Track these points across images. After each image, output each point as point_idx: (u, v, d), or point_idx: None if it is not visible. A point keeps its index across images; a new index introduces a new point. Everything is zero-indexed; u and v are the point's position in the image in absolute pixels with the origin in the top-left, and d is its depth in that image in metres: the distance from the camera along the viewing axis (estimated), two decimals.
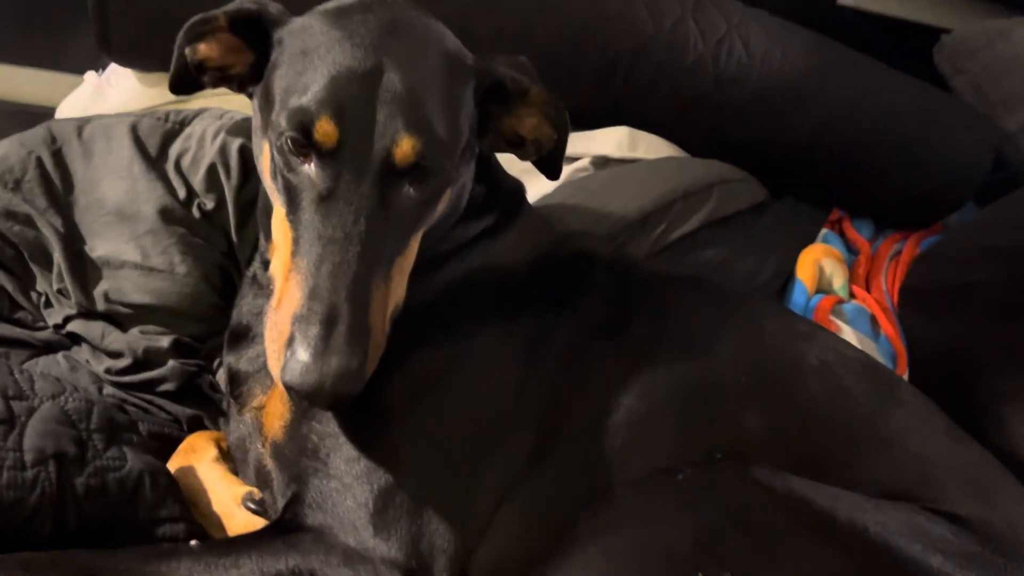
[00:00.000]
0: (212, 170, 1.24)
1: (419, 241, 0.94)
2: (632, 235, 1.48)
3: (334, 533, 0.87)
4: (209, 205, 1.24)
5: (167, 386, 1.17)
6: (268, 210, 0.99)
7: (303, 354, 0.79)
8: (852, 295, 1.63)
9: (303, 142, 0.85)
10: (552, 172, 1.09)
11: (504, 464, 0.95)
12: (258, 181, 1.20)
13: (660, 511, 0.84)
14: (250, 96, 1.00)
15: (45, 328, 1.22)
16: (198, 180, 1.24)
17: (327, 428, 0.92)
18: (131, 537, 0.95)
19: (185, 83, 1.03)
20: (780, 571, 0.77)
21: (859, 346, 1.43)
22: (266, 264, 1.07)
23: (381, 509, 0.88)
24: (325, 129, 0.84)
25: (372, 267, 0.84)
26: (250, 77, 0.98)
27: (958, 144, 1.80)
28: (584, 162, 1.62)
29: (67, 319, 1.20)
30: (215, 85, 1.03)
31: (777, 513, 0.82)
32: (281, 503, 0.94)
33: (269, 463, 0.98)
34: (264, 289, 1.08)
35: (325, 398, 0.80)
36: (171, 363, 1.17)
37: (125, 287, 1.19)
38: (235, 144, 1.25)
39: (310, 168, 0.86)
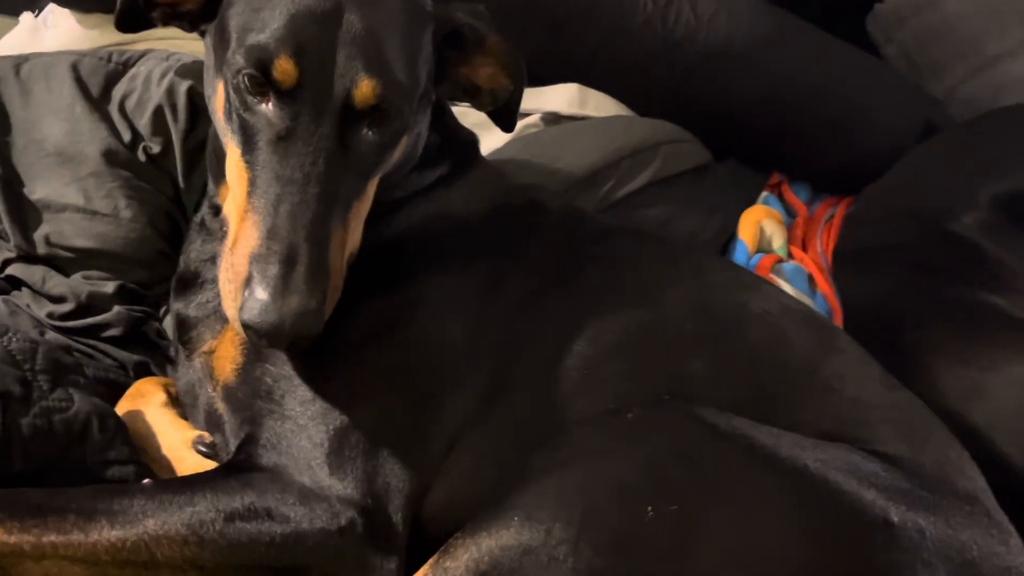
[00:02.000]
0: (159, 113, 1.22)
1: (375, 187, 0.94)
2: (581, 190, 1.50)
3: (289, 472, 0.88)
4: (155, 149, 1.22)
5: (112, 332, 1.16)
6: (219, 153, 0.98)
7: (262, 293, 0.79)
8: (790, 255, 1.68)
9: (261, 80, 0.85)
10: (507, 124, 1.10)
11: (458, 405, 0.96)
12: (206, 126, 1.18)
13: (609, 448, 0.86)
14: (202, 35, 0.98)
15: None
16: (144, 123, 1.22)
17: (281, 370, 0.92)
18: (80, 480, 0.93)
19: (132, 20, 1.00)
20: (724, 503, 0.80)
21: None
22: (215, 209, 1.06)
23: (336, 449, 0.88)
24: (284, 67, 0.83)
25: (331, 208, 0.85)
26: (202, 15, 0.96)
27: (890, 111, 1.86)
28: (534, 118, 1.63)
29: (6, 262, 1.17)
30: (165, 23, 1.00)
31: (721, 449, 0.85)
32: (233, 444, 0.94)
33: (220, 406, 0.97)
34: (213, 235, 1.07)
35: (284, 337, 0.80)
36: (116, 308, 1.16)
37: (67, 230, 1.17)
38: (183, 86, 1.22)
39: (267, 107, 0.86)
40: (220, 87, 0.91)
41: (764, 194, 1.79)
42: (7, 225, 1.16)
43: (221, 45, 0.91)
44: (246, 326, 0.81)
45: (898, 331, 1.42)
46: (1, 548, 0.77)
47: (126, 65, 1.27)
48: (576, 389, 0.99)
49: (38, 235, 1.17)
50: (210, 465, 0.99)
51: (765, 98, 1.75)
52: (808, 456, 0.86)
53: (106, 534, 0.80)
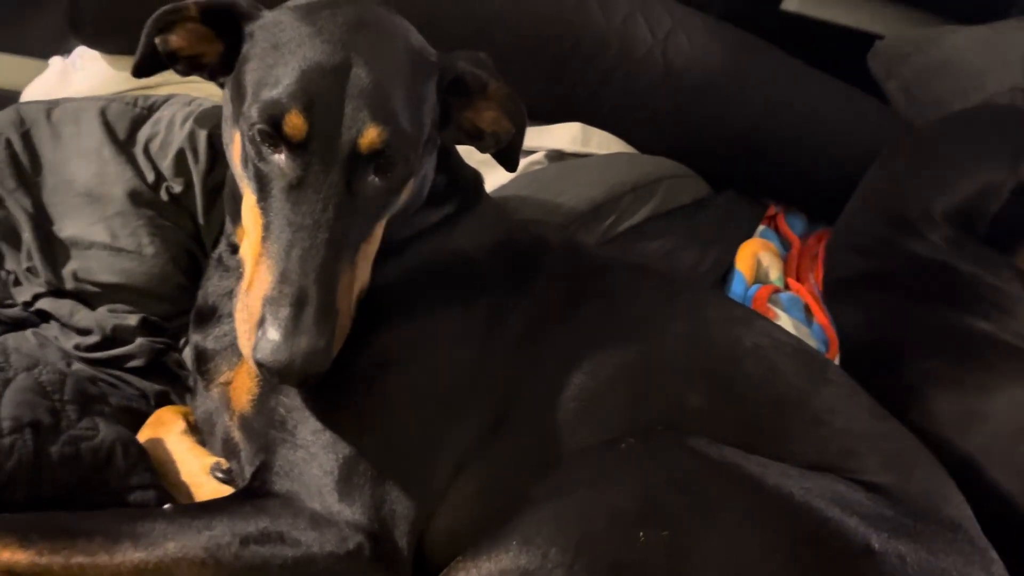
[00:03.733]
0: (180, 155, 1.28)
1: (383, 228, 0.99)
2: (583, 225, 1.56)
3: (301, 499, 0.92)
4: (177, 188, 1.28)
5: (136, 362, 1.21)
6: (236, 195, 1.03)
7: (274, 334, 0.84)
8: (787, 286, 1.73)
9: (273, 134, 0.90)
10: (510, 164, 1.14)
11: (461, 436, 1.01)
12: (224, 167, 1.24)
13: (604, 476, 0.90)
14: (221, 86, 1.04)
15: (14, 305, 1.24)
16: (167, 164, 1.28)
17: (294, 402, 0.97)
18: (104, 504, 0.98)
19: (149, 68, 1.06)
20: (713, 529, 0.84)
21: (795, 332, 1.52)
22: (232, 247, 1.12)
23: (346, 476, 0.93)
24: (294, 122, 0.88)
25: (339, 252, 0.89)
26: (221, 67, 1.02)
27: (874, 135, 1.92)
28: (539, 155, 1.69)
29: (36, 297, 1.23)
30: (186, 73, 1.06)
31: (711, 478, 0.89)
32: (249, 472, 0.99)
33: (237, 435, 1.02)
34: (230, 271, 1.12)
35: (294, 375, 0.85)
36: (139, 340, 1.21)
37: (94, 266, 1.23)
38: (203, 131, 1.29)
39: (280, 158, 0.91)
40: (237, 137, 0.96)
41: (761, 227, 1.85)
42: (38, 261, 1.23)
43: (238, 98, 0.96)
44: (259, 364, 0.86)
45: (890, 361, 1.45)
46: (33, 568, 0.82)
47: (150, 109, 1.34)
48: (575, 420, 1.03)
49: (67, 271, 1.23)
50: (227, 490, 1.04)
51: (755, 125, 1.83)
52: (794, 485, 0.90)
53: (130, 556, 0.85)
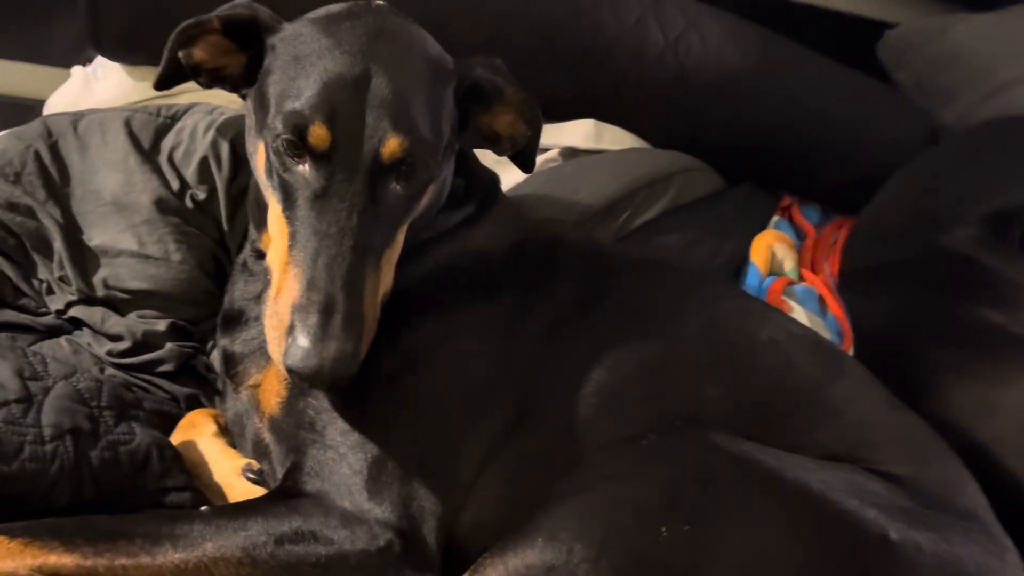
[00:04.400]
0: (204, 163, 1.31)
1: (405, 233, 1.01)
2: (599, 222, 1.57)
3: (331, 498, 0.95)
4: (201, 195, 1.31)
5: (166, 367, 1.24)
6: (260, 203, 1.06)
7: (303, 340, 0.87)
8: (801, 277, 1.74)
9: (298, 144, 0.92)
10: (526, 165, 1.17)
11: (486, 433, 1.03)
12: (247, 173, 1.26)
13: (627, 472, 0.93)
14: (243, 97, 1.07)
15: (48, 314, 1.28)
16: (191, 172, 1.31)
17: (322, 403, 1.00)
18: (141, 506, 1.02)
19: (171, 81, 1.09)
20: (734, 523, 0.87)
21: (809, 324, 1.52)
22: (258, 253, 1.14)
23: (375, 475, 0.96)
24: (318, 133, 0.91)
25: (364, 258, 0.92)
26: (243, 79, 1.04)
27: (892, 128, 1.94)
28: (553, 153, 1.70)
29: (68, 305, 1.26)
30: (209, 86, 1.09)
31: (731, 472, 0.92)
32: (280, 472, 1.01)
33: (267, 436, 1.05)
34: (256, 276, 1.15)
35: (324, 380, 0.88)
36: (169, 345, 1.24)
37: (123, 274, 1.26)
38: (225, 139, 1.31)
39: (304, 168, 0.93)
40: (261, 148, 0.99)
41: (775, 218, 1.85)
42: (69, 270, 1.26)
43: (261, 109, 0.98)
44: (290, 370, 0.89)
45: (905, 352, 1.46)
46: (79, 571, 0.85)
47: (173, 119, 1.37)
48: (596, 416, 1.05)
49: (97, 279, 1.26)
50: (259, 491, 1.07)
51: (772, 122, 1.83)
52: (812, 477, 0.92)
53: (170, 556, 0.88)
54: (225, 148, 1.31)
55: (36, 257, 1.28)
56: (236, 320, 1.16)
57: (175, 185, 1.31)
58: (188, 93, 1.48)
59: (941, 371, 1.40)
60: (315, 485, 0.97)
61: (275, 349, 0.92)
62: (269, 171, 0.97)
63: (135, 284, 1.25)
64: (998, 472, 1.24)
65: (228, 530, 0.91)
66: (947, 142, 1.89)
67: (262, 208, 1.05)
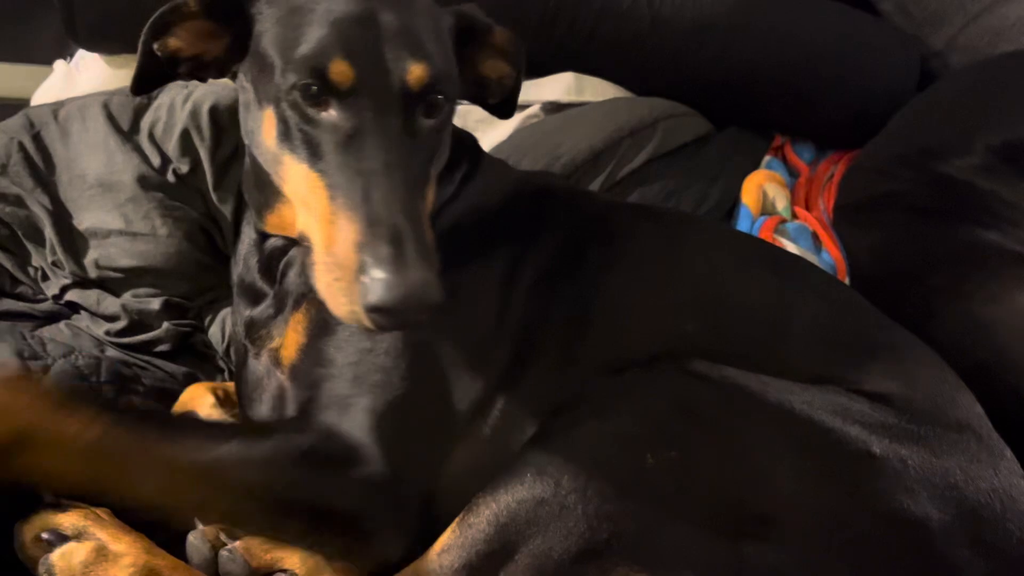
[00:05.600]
0: (185, 135, 1.32)
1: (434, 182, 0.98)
2: (585, 173, 1.57)
3: (339, 430, 0.95)
4: (184, 169, 1.32)
5: (163, 347, 1.27)
6: (262, 182, 1.03)
7: (381, 273, 0.80)
8: (794, 216, 1.73)
9: (318, 88, 0.88)
10: (507, 111, 1.16)
11: (484, 378, 1.03)
12: (230, 142, 1.28)
13: (611, 406, 0.93)
14: (233, 77, 1.03)
15: (45, 300, 1.31)
16: (172, 146, 1.33)
17: (338, 343, 1.00)
18: None
19: (150, 81, 1.03)
20: (718, 447, 0.88)
21: None
22: (262, 235, 1.12)
23: (381, 413, 0.96)
24: (340, 69, 0.87)
25: (414, 190, 0.88)
26: (229, 58, 1.00)
27: (886, 64, 1.90)
28: (535, 108, 1.70)
29: (64, 289, 1.29)
30: (190, 76, 1.03)
31: (713, 398, 0.92)
32: (294, 409, 1.01)
33: (287, 385, 1.04)
34: (264, 250, 1.12)
35: (413, 311, 0.81)
36: (166, 325, 1.27)
37: (113, 253, 1.28)
38: (205, 107, 1.33)
39: (330, 114, 0.89)
40: (268, 114, 0.94)
41: (767, 158, 1.83)
42: (61, 254, 1.28)
43: (263, 74, 0.94)
44: (374, 309, 0.81)
45: (900, 280, 1.45)
46: (103, 442, 0.85)
47: (151, 98, 1.38)
48: (584, 360, 1.06)
49: (88, 260, 1.29)
50: None
51: (757, 62, 1.80)
52: (795, 399, 0.92)
53: (193, 455, 0.89)
54: (205, 118, 1.32)
55: (29, 245, 1.31)
56: (254, 293, 1.14)
57: (156, 161, 1.32)
58: None
59: (937, 293, 1.39)
60: (326, 417, 0.97)
61: (342, 303, 0.84)
62: (285, 133, 0.92)
63: (126, 262, 1.28)
64: (1000, 389, 1.23)
65: (250, 440, 0.92)
66: (952, 76, 1.86)
67: (265, 187, 1.02)
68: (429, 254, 0.83)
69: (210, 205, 1.34)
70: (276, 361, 1.07)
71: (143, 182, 1.30)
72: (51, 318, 1.29)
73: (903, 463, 0.88)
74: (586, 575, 0.83)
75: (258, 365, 1.12)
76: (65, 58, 1.67)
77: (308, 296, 1.02)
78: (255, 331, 1.12)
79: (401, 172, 0.87)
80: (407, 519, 0.95)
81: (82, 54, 1.62)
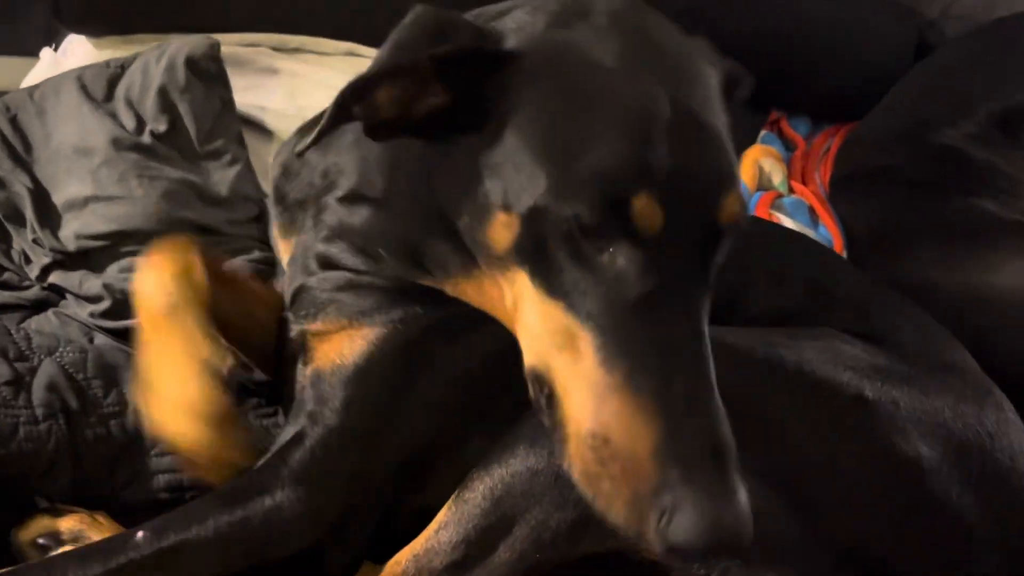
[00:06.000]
0: (162, 92, 1.30)
1: None
2: None
3: (306, 489, 0.85)
4: (162, 128, 1.30)
5: None
6: (423, 234, 0.85)
7: (695, 506, 0.61)
8: (791, 190, 1.73)
9: (610, 226, 0.66)
10: None
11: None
12: (214, 96, 1.28)
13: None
14: (431, 138, 0.78)
15: (31, 286, 1.27)
16: (148, 105, 1.30)
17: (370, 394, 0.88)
18: (138, 474, 1.02)
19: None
20: None
21: None
22: (327, 263, 0.95)
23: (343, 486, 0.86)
24: (648, 209, 0.65)
25: (712, 374, 0.68)
26: (439, 121, 0.76)
27: (882, 36, 1.89)
28: None
29: (45, 269, 1.25)
30: (380, 137, 0.80)
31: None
32: (288, 430, 0.90)
33: (305, 381, 0.93)
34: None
35: (725, 554, 0.69)
36: None
37: (91, 221, 1.24)
38: (180, 60, 1.30)
39: (615, 260, 0.66)
40: (501, 219, 0.72)
41: (763, 133, 1.84)
42: (39, 232, 1.25)
43: (507, 168, 0.71)
44: (675, 549, 0.62)
45: (897, 250, 1.46)
46: None
47: (124, 67, 1.36)
48: None
49: (68, 233, 1.24)
50: None
51: (752, 37, 1.76)
52: (786, 353, 0.90)
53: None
54: (181, 71, 1.29)
55: (10, 227, 1.28)
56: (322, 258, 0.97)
57: (131, 124, 1.29)
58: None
59: (934, 265, 1.39)
60: (295, 480, 0.84)
61: (620, 512, 0.65)
62: (530, 252, 0.70)
63: (104, 227, 1.23)
64: (998, 358, 1.18)
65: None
66: (949, 46, 1.85)
67: (415, 247, 0.86)
68: (738, 473, 0.64)
69: (193, 162, 1.30)
70: (304, 348, 0.95)
71: (116, 144, 1.26)
72: (39, 306, 1.25)
73: (895, 405, 0.88)
74: (583, 542, 0.82)
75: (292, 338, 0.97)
76: (51, 46, 1.65)
77: (376, 319, 0.89)
78: (301, 303, 0.96)
79: (705, 350, 0.67)
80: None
81: (69, 40, 1.61)
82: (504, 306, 0.78)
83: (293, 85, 1.63)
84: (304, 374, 0.93)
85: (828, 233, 1.61)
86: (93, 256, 1.24)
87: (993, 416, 0.91)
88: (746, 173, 1.69)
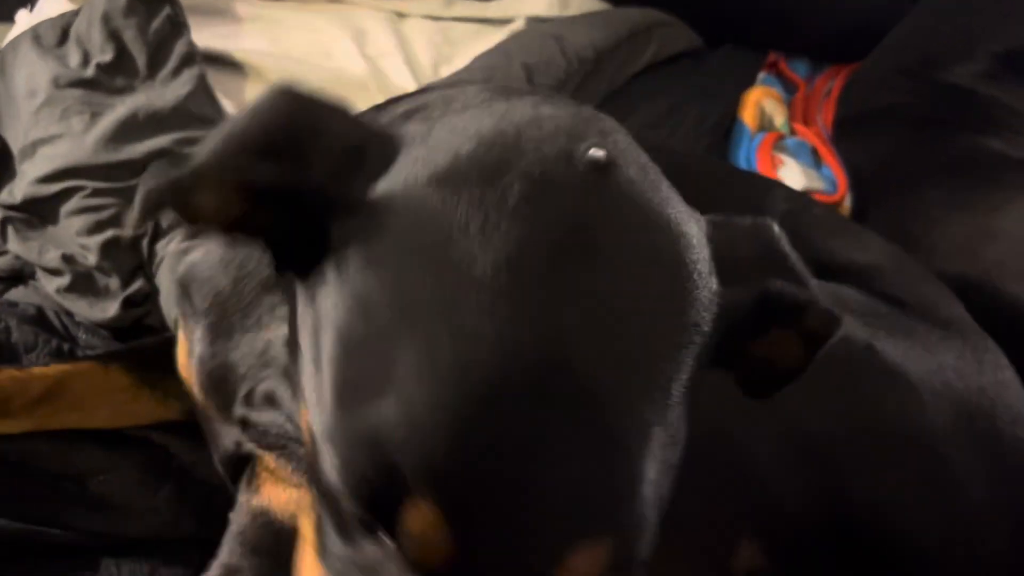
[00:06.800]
0: (105, 18, 1.27)
1: None
2: (589, 76, 1.59)
3: None
4: (107, 58, 1.27)
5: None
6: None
7: None
8: (793, 131, 1.66)
9: (374, 526, 0.43)
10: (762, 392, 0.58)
11: None
12: (150, 14, 1.28)
13: None
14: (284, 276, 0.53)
15: (5, 252, 1.21)
16: (95, 38, 1.27)
17: None
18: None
19: None
20: None
21: (803, 177, 1.50)
22: None
23: None
24: (422, 529, 0.39)
25: None
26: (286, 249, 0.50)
27: None
28: (519, 23, 1.70)
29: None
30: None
31: None
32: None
33: (247, 507, 0.83)
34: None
35: None
36: (116, 308, 1.10)
37: (40, 164, 1.20)
38: None
39: (384, 558, 0.43)
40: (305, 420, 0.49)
41: (762, 75, 1.78)
42: (5, 192, 1.22)
43: (309, 357, 0.47)
44: None
45: (903, 190, 1.40)
46: None
47: (76, 13, 1.34)
48: None
49: (22, 185, 1.19)
50: None
51: None
52: None
53: None
54: None
55: None
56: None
57: (75, 60, 1.27)
58: None
59: (940, 203, 1.34)
60: None
61: None
62: (317, 493, 0.49)
63: (47, 167, 1.18)
64: (1001, 297, 1.20)
65: None
66: None
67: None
68: None
69: (143, 89, 1.26)
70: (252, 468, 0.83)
71: (57, 82, 1.23)
72: (16, 277, 1.18)
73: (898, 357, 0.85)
74: None
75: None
76: (27, 7, 1.62)
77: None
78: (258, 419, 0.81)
79: None
80: None
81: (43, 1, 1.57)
82: None
83: (275, 32, 1.58)
84: (248, 499, 0.81)
85: (832, 174, 1.54)
86: (45, 205, 1.18)
87: (992, 375, 0.90)
88: (748, 114, 1.62)
